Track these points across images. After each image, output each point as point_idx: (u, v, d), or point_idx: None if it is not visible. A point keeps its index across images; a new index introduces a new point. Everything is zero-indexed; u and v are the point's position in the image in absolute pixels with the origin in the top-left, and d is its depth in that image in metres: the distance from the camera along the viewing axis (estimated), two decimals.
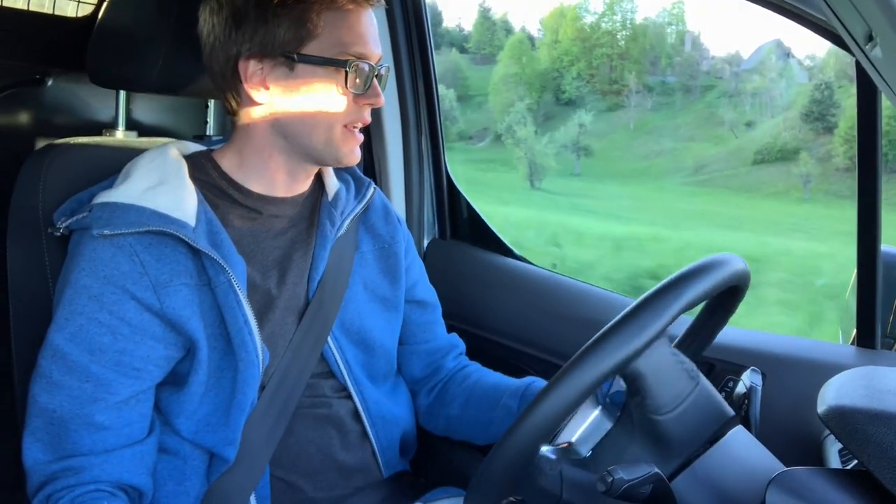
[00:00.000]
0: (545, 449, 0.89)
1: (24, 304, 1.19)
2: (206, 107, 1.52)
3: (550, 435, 0.85)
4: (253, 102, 1.14)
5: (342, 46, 1.10)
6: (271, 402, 1.15)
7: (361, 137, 1.17)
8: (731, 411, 0.92)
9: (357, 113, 1.14)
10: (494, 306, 1.70)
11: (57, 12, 1.65)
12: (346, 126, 1.14)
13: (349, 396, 1.25)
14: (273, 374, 1.16)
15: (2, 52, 1.46)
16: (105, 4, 1.29)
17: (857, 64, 1.15)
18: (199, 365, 1.09)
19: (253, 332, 1.11)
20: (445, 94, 22.00)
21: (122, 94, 1.35)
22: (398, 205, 1.81)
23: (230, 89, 1.15)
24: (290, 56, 1.10)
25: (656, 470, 0.80)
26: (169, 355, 1.09)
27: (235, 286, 1.09)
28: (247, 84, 1.12)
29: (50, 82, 1.47)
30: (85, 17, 1.57)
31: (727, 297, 0.98)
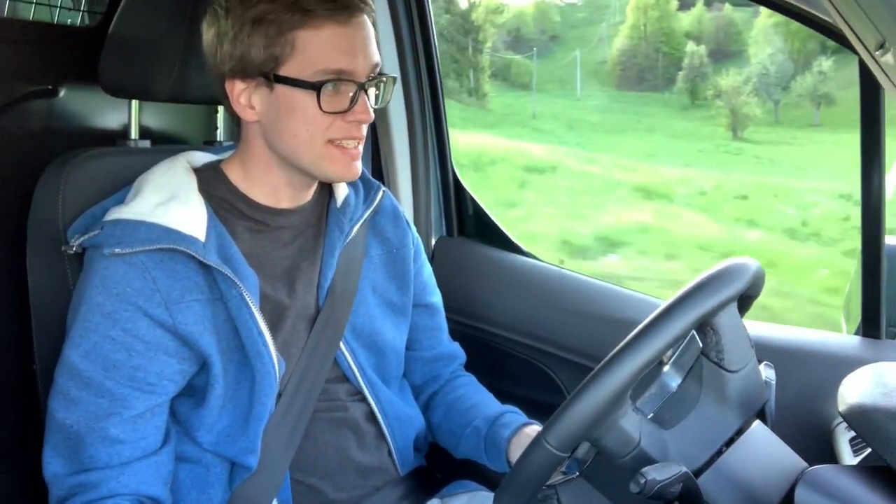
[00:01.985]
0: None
1: (47, 318, 1.20)
2: (216, 112, 1.53)
3: (640, 376, 0.87)
4: (246, 120, 1.15)
5: (321, 65, 1.08)
6: (288, 408, 1.17)
7: (357, 152, 1.15)
8: (766, 394, 0.97)
9: (343, 130, 1.11)
10: (503, 303, 1.71)
11: (59, 23, 1.65)
12: (332, 143, 1.12)
13: (364, 399, 1.26)
14: (289, 382, 1.17)
15: (13, 63, 1.46)
16: (116, 15, 1.29)
17: (861, 64, 1.17)
18: (216, 379, 1.11)
19: (268, 344, 1.12)
20: (696, 51, 21.38)
21: (135, 103, 1.35)
22: (405, 203, 1.82)
23: (227, 106, 1.16)
24: (267, 77, 1.09)
25: (685, 469, 0.82)
26: (183, 370, 1.11)
27: (248, 300, 1.11)
28: (234, 104, 1.13)
29: (62, 92, 1.48)
30: (96, 27, 1.58)
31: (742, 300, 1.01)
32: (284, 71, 1.09)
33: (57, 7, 1.62)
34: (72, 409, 1.07)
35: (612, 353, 0.86)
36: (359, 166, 1.17)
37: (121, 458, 1.07)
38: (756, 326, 1.44)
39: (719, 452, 0.91)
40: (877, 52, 0.74)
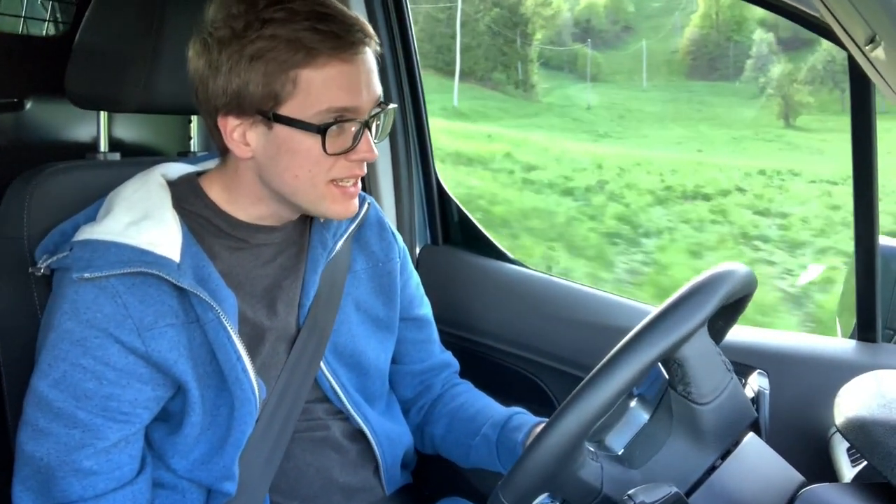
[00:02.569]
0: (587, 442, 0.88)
1: (13, 342, 1.16)
2: (190, 122, 1.49)
3: (593, 426, 0.84)
4: (239, 156, 1.08)
5: (325, 104, 1.02)
6: (266, 430, 1.13)
7: (356, 190, 1.10)
8: (754, 412, 0.94)
9: (346, 169, 1.07)
10: (490, 311, 1.68)
11: (28, 32, 1.62)
12: (334, 182, 1.07)
13: (345, 418, 1.22)
14: (267, 404, 1.13)
15: None
16: (82, 24, 1.25)
17: (851, 59, 1.14)
18: (192, 406, 1.06)
19: (247, 369, 1.08)
20: (764, 38, 21.33)
21: (104, 114, 1.31)
22: (389, 212, 1.79)
23: (217, 138, 1.09)
24: (266, 115, 1.03)
25: (676, 490, 0.79)
26: (158, 396, 1.06)
27: (225, 323, 1.06)
28: (227, 140, 1.06)
29: (28, 105, 1.44)
30: (62, 38, 1.54)
31: (736, 303, 0.97)
32: (285, 110, 1.02)
33: (22, 17, 1.58)
34: (42, 442, 1.02)
35: (560, 407, 0.84)
36: (356, 204, 1.12)
37: (95, 490, 1.03)
38: (749, 332, 1.41)
39: (712, 469, 0.87)
40: (867, 47, 0.71)
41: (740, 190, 12.38)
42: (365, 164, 1.09)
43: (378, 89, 1.08)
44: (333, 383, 1.20)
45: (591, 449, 0.90)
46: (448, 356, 1.41)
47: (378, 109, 1.08)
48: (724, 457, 0.89)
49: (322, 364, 1.19)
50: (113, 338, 1.02)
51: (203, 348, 1.06)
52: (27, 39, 1.60)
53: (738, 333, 1.39)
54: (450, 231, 1.87)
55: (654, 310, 0.87)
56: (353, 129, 1.05)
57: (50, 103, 1.46)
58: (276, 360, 1.15)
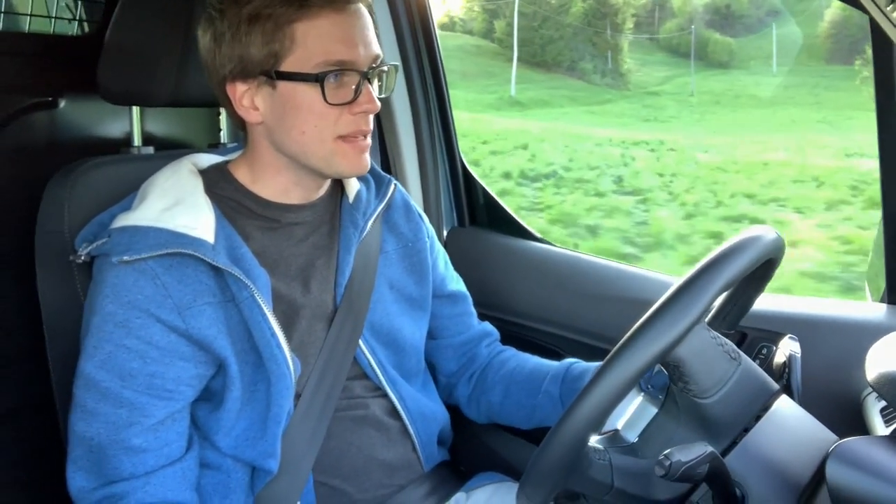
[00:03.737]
0: (593, 440, 0.89)
1: (59, 330, 1.20)
2: (219, 115, 1.52)
3: (597, 427, 0.84)
4: (250, 122, 1.13)
5: (321, 57, 1.06)
6: (308, 409, 1.16)
7: (366, 145, 1.13)
8: (774, 385, 0.93)
9: (352, 124, 1.10)
10: (519, 290, 1.69)
11: (57, 32, 1.65)
12: (342, 138, 1.10)
13: (384, 395, 1.25)
14: (307, 382, 1.16)
15: (12, 76, 1.46)
16: (112, 21, 1.28)
17: (873, 22, 1.14)
18: (233, 381, 1.10)
19: (281, 345, 1.10)
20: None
21: (136, 109, 1.34)
22: (415, 195, 1.81)
23: (230, 110, 1.14)
24: (269, 74, 1.08)
25: (711, 449, 0.80)
26: (200, 373, 1.10)
27: (259, 300, 1.09)
28: (237, 106, 1.11)
29: (62, 104, 1.47)
30: (93, 36, 1.57)
31: (761, 269, 0.97)
32: (286, 66, 1.07)
33: (53, 18, 1.61)
34: (91, 422, 1.06)
35: (561, 416, 0.84)
36: (367, 159, 1.14)
37: (145, 467, 1.06)
38: (779, 299, 1.42)
39: (746, 430, 0.88)
40: (888, 8, 0.72)
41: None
42: (370, 118, 1.12)
43: (376, 47, 1.11)
44: (371, 360, 1.23)
45: (600, 447, 0.90)
46: (487, 325, 1.44)
47: (378, 65, 1.11)
48: (756, 418, 0.90)
49: (360, 342, 1.22)
50: (154, 317, 1.05)
51: (239, 326, 1.09)
52: (58, 39, 1.63)
53: (764, 301, 1.40)
54: (476, 212, 1.88)
55: (677, 281, 0.87)
56: (353, 81, 1.08)
57: (83, 101, 1.48)
58: (315, 338, 1.17)
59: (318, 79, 1.06)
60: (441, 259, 1.39)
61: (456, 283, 1.41)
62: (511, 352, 1.42)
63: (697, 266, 0.86)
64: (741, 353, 0.92)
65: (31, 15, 1.57)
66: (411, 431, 1.27)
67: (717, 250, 0.87)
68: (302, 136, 1.10)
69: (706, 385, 0.88)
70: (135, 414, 1.06)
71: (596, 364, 1.27)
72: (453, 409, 1.42)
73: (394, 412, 1.26)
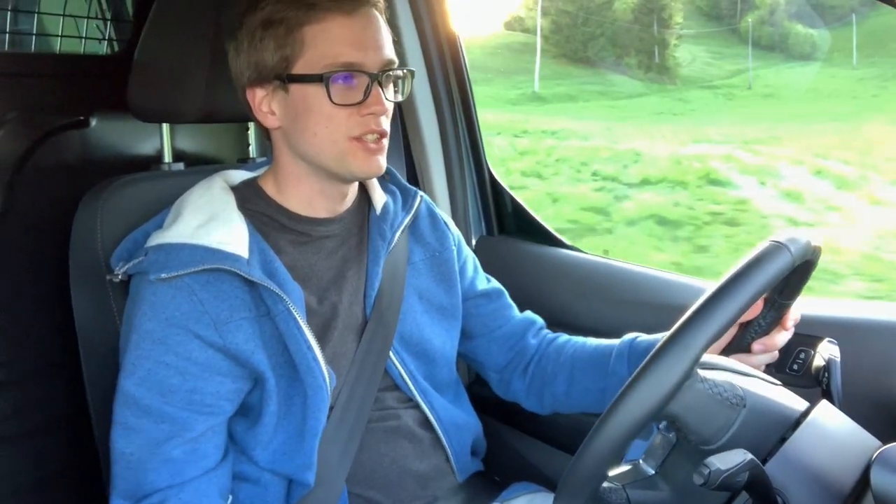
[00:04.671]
0: (605, 483, 0.86)
1: (94, 346, 1.21)
2: (247, 130, 1.53)
3: (635, 430, 0.82)
4: (271, 129, 1.15)
5: (329, 59, 1.08)
6: (341, 420, 1.16)
7: (380, 147, 1.13)
8: (796, 411, 0.89)
9: (362, 125, 1.10)
10: (549, 298, 1.68)
11: (88, 52, 1.67)
12: (355, 139, 1.11)
13: (416, 406, 1.25)
14: (340, 394, 1.16)
15: (45, 96, 1.48)
16: (140, 40, 1.30)
17: None
18: (270, 395, 1.10)
19: (317, 357, 1.11)
20: None
21: (166, 126, 1.36)
22: (443, 205, 1.81)
23: (253, 118, 1.16)
24: (282, 78, 1.10)
25: (751, 457, 0.78)
26: (238, 388, 1.10)
27: (295, 314, 1.10)
28: (257, 112, 1.13)
29: (94, 122, 1.49)
30: (122, 55, 1.59)
31: (797, 274, 0.95)
32: (296, 69, 1.09)
33: (83, 38, 1.63)
34: (133, 438, 1.07)
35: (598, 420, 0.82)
36: (382, 161, 1.14)
37: (182, 476, 1.07)
38: (820, 302, 1.39)
39: (784, 438, 0.87)
40: None
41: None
42: (383, 119, 1.12)
43: (387, 50, 1.12)
44: (402, 371, 1.23)
45: (615, 485, 0.88)
46: (529, 315, 1.43)
47: (390, 69, 1.12)
48: (796, 425, 0.88)
49: (391, 353, 1.22)
50: (192, 333, 1.06)
51: (274, 339, 1.10)
52: (88, 59, 1.66)
53: (805, 304, 1.38)
54: (504, 221, 1.87)
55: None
56: (363, 84, 1.09)
57: (114, 119, 1.50)
58: (346, 349, 1.18)
59: (323, 79, 1.08)
60: (470, 262, 1.39)
61: (488, 283, 1.41)
62: (563, 337, 1.40)
63: (689, 312, 0.83)
64: (748, 392, 0.88)
65: (61, 36, 1.60)
66: (444, 442, 1.27)
67: (715, 286, 0.84)
68: (314, 138, 1.11)
69: (706, 436, 0.86)
70: (176, 428, 1.07)
71: (662, 335, 1.25)
72: (485, 419, 1.41)
73: (426, 423, 1.26)
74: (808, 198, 8.32)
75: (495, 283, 1.42)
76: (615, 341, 1.31)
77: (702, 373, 0.86)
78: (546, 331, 1.42)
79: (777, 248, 0.86)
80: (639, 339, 1.28)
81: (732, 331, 1.10)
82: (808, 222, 7.59)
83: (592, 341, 1.35)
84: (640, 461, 0.91)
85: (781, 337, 1.10)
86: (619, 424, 0.80)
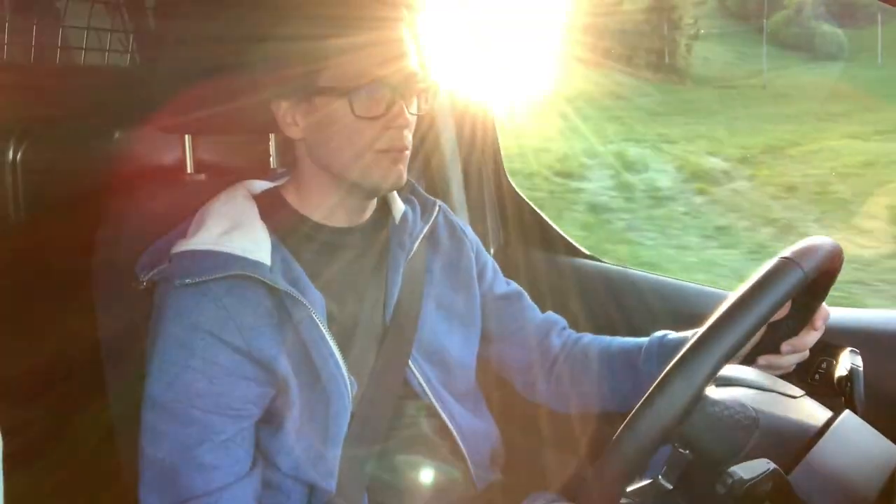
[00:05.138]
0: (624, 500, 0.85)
1: (117, 354, 1.23)
2: (268, 140, 1.54)
3: (662, 438, 0.81)
4: (293, 137, 1.16)
5: (353, 73, 1.09)
6: (362, 428, 1.17)
7: (401, 159, 1.14)
8: (813, 427, 0.88)
9: (385, 140, 1.11)
10: (569, 308, 1.68)
11: (111, 64, 1.69)
12: (378, 152, 1.12)
13: (435, 414, 1.25)
14: (360, 402, 1.17)
15: (70, 109, 1.50)
16: (162, 52, 1.32)
17: None
18: (293, 402, 1.11)
19: (340, 365, 1.12)
20: None
21: (188, 138, 1.37)
22: (461, 215, 1.81)
23: (277, 129, 1.17)
24: (306, 91, 1.11)
25: (774, 466, 0.78)
26: (264, 392, 1.11)
27: (317, 321, 1.11)
28: (280, 123, 1.15)
29: (117, 134, 1.51)
30: (145, 67, 1.61)
31: (822, 280, 0.95)
32: (321, 83, 1.10)
33: (107, 51, 1.65)
34: (162, 443, 1.07)
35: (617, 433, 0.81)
36: (403, 171, 1.16)
37: (216, 483, 1.07)
38: (838, 311, 1.38)
39: (808, 447, 0.86)
40: None
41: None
42: (406, 133, 1.13)
43: (412, 62, 1.13)
44: (421, 379, 1.23)
45: (633, 502, 0.86)
46: (551, 315, 1.43)
47: (415, 82, 1.13)
48: (820, 434, 0.87)
49: (409, 361, 1.22)
50: (217, 338, 1.07)
51: (297, 347, 1.11)
52: (112, 71, 1.68)
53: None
54: (523, 231, 1.88)
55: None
56: (386, 97, 1.10)
57: (137, 131, 1.53)
58: (366, 357, 1.18)
59: (347, 93, 1.09)
60: (489, 265, 1.40)
61: (507, 285, 1.41)
62: (589, 336, 1.39)
63: (690, 341, 0.81)
64: (761, 413, 0.87)
65: (85, 49, 1.62)
66: (463, 450, 1.27)
67: (724, 306, 0.83)
68: (337, 150, 1.13)
69: (717, 459, 0.84)
70: (205, 431, 1.07)
71: (694, 331, 1.24)
72: (504, 427, 1.41)
73: (445, 431, 1.26)
74: (636, 189, 8.21)
75: (515, 285, 1.42)
76: (643, 339, 1.31)
77: (713, 395, 0.85)
78: (570, 331, 1.42)
79: (786, 264, 0.85)
80: (668, 336, 1.28)
81: (761, 331, 1.09)
82: (603, 205, 7.52)
83: (619, 340, 1.35)
84: (659, 477, 0.90)
85: (811, 337, 1.09)
86: (623, 454, 0.79)
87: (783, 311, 1.08)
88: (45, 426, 1.43)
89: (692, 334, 1.19)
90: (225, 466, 1.08)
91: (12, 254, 1.40)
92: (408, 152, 1.15)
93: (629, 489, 0.85)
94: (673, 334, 1.28)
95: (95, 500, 1.44)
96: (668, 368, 0.80)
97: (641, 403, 0.80)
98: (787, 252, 0.86)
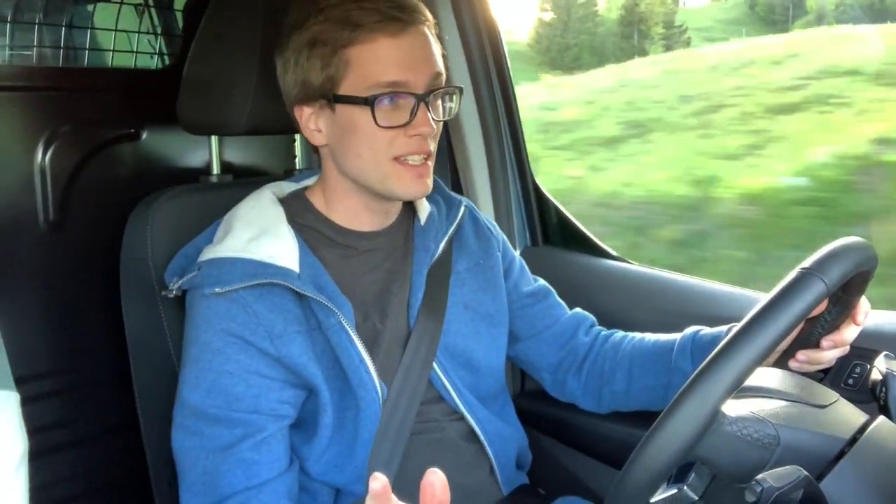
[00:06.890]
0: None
1: (144, 356, 1.23)
2: (294, 141, 1.54)
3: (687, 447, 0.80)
4: (316, 144, 1.16)
5: (374, 78, 1.07)
6: (385, 432, 1.16)
7: (425, 168, 1.13)
8: (843, 438, 0.85)
9: (406, 146, 1.10)
10: (595, 308, 1.65)
11: (139, 66, 1.71)
12: (397, 160, 1.10)
13: (461, 418, 1.24)
14: (385, 405, 1.16)
15: (97, 110, 1.51)
16: (189, 54, 1.32)
17: None
18: (324, 408, 1.11)
19: (370, 370, 1.12)
20: None
21: (214, 139, 1.38)
22: (487, 215, 1.79)
23: (301, 133, 1.17)
24: (328, 98, 1.10)
25: (805, 473, 0.76)
26: (297, 394, 1.11)
27: (346, 326, 1.10)
28: (304, 129, 1.14)
29: (145, 135, 1.53)
30: (172, 69, 1.62)
31: (857, 280, 0.92)
32: (342, 90, 1.09)
33: (135, 53, 1.67)
34: (205, 446, 1.07)
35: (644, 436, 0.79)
36: (429, 183, 1.14)
37: (258, 478, 1.08)
38: (875, 314, 1.35)
39: (841, 454, 0.84)
40: None
41: None
42: (429, 141, 1.11)
43: (436, 67, 1.10)
44: (446, 383, 1.22)
45: None
46: (579, 312, 1.41)
47: (437, 88, 1.11)
48: (853, 441, 0.85)
49: (434, 364, 1.21)
50: (249, 343, 1.07)
51: (326, 353, 1.10)
52: (140, 73, 1.69)
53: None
54: (549, 231, 1.85)
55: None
56: (409, 104, 1.08)
57: (164, 131, 1.54)
58: (392, 361, 1.18)
59: (368, 101, 1.07)
60: (516, 263, 1.38)
61: (535, 283, 1.40)
62: (619, 333, 1.38)
63: (708, 358, 0.79)
64: (782, 429, 0.84)
65: (114, 51, 1.64)
66: (489, 454, 1.26)
67: (747, 319, 0.80)
68: (358, 159, 1.11)
69: (739, 476, 0.82)
70: (249, 429, 1.08)
71: (728, 326, 1.22)
72: (531, 431, 1.40)
73: (471, 435, 1.25)
74: None
75: (542, 283, 1.41)
76: (675, 336, 1.29)
77: (731, 413, 0.82)
78: (599, 328, 1.40)
79: (805, 277, 0.81)
80: (702, 332, 1.26)
81: (799, 326, 1.06)
82: None
83: (651, 337, 1.33)
84: (685, 487, 0.88)
85: (851, 332, 1.06)
86: (638, 476, 0.78)
87: (821, 306, 1.04)
88: (73, 427, 1.44)
89: (727, 329, 1.17)
90: (266, 463, 1.08)
91: (42, 256, 1.41)
92: (431, 161, 1.13)
93: (653, 500, 0.83)
94: (707, 330, 1.26)
95: (123, 500, 1.45)
96: (681, 389, 0.78)
97: (654, 426, 0.78)
98: (807, 262, 0.83)
